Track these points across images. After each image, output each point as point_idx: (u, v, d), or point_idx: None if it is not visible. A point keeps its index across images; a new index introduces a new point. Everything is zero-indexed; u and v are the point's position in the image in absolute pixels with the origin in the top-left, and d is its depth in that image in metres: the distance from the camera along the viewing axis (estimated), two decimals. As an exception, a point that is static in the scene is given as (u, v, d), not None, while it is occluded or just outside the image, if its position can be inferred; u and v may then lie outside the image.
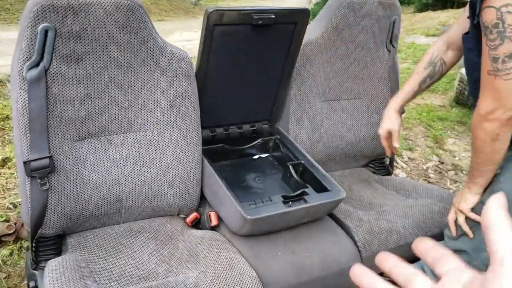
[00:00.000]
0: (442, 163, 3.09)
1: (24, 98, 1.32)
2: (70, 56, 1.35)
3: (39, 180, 1.35)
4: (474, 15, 1.22)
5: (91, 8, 1.33)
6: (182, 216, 1.69)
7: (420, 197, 1.92)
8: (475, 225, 1.45)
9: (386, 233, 1.66)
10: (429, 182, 2.82)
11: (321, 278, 1.49)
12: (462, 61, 1.53)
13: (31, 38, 1.29)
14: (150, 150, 1.55)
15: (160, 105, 1.53)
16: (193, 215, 1.65)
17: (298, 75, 1.85)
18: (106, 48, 1.39)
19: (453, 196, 1.91)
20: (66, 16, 1.30)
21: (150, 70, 1.48)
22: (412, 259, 1.72)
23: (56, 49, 1.33)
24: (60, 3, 1.29)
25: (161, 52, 1.48)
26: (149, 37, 1.44)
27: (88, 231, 1.55)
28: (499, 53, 1.15)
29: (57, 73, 1.35)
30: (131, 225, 1.60)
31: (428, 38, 7.52)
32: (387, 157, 2.23)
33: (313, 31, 1.87)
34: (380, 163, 2.22)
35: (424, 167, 3.01)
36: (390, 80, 2.07)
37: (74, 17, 1.31)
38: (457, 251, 1.49)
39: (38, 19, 1.28)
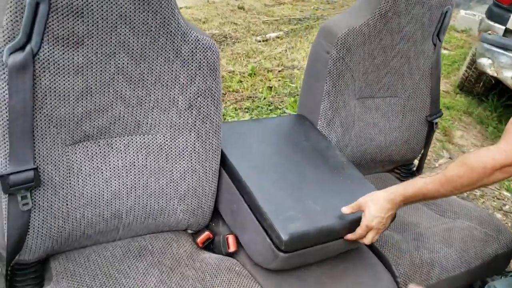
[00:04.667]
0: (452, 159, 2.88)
1: (3, 91, 0.99)
2: (68, 38, 1.02)
3: (19, 198, 1.04)
4: None
5: (100, -24, 0.98)
6: (190, 231, 1.41)
7: (457, 217, 1.69)
8: None
9: (428, 266, 1.42)
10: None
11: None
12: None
13: (15, 12, 0.95)
14: (160, 157, 1.25)
15: (177, 104, 1.21)
16: (205, 234, 1.36)
17: (335, 69, 1.55)
18: (115, 30, 1.06)
19: (493, 218, 1.69)
20: (65, -15, 0.96)
21: (169, 61, 1.16)
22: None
23: (48, 28, 0.99)
24: (58, -34, 0.95)
25: (184, 39, 1.15)
26: (171, 19, 1.11)
27: (76, 251, 1.25)
28: None
29: (48, 60, 1.02)
30: (130, 243, 1.31)
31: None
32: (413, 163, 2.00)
33: (356, 17, 1.56)
34: (407, 169, 1.97)
35: (436, 164, 2.79)
36: (431, 77, 1.79)
37: (76, -14, 0.97)
38: None
39: (27, -13, 0.94)
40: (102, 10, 1.02)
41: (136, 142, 1.22)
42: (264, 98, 3.13)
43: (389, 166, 1.95)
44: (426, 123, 1.85)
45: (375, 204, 1.16)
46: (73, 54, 1.04)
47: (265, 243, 1.17)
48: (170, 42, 1.14)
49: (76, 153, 1.14)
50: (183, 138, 1.25)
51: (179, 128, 1.24)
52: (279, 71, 3.74)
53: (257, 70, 3.68)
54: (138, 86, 1.15)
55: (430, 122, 1.85)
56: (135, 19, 1.06)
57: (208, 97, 1.24)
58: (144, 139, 1.22)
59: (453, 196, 2.09)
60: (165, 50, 1.14)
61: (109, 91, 1.12)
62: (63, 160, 1.11)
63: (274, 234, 1.14)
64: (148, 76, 1.15)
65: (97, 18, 1.02)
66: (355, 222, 1.23)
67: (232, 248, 1.31)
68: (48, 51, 1.01)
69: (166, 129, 1.23)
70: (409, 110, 1.81)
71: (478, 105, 3.77)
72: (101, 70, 1.08)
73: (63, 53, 1.02)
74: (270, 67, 3.81)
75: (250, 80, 3.49)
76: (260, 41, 4.68)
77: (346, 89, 1.60)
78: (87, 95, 1.09)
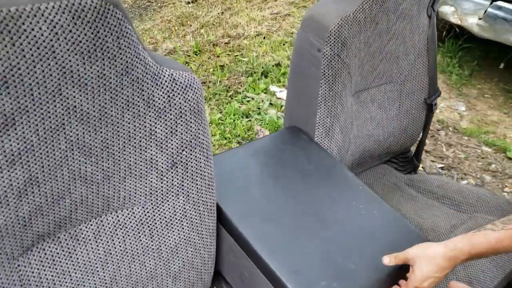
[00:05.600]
0: (428, 121, 2.73)
1: None
2: (-11, 122, 0.67)
3: None
4: None
5: (26, 24, 0.63)
6: (188, 301, 1.14)
7: (474, 210, 1.50)
8: None
9: (467, 284, 1.23)
10: (426, 151, 2.44)
11: None
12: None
13: None
14: (142, 235, 0.94)
15: (156, 165, 0.90)
16: (211, 307, 1.10)
17: (330, 69, 1.27)
18: (60, 94, 0.72)
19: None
20: (-30, 49, 0.61)
21: (139, 116, 0.83)
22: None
23: (-43, 114, 0.64)
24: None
25: (156, 82, 0.83)
26: (135, 61, 0.78)
27: None
28: None
29: (-35, 157, 0.67)
30: None
31: None
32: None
33: (347, 1, 1.27)
34: (405, 158, 1.76)
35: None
36: (428, 53, 1.55)
37: (-12, 47, 0.62)
38: None
39: None
40: (36, 74, 0.67)
41: (108, 223, 0.90)
42: (220, 82, 2.79)
43: (386, 157, 1.73)
44: (424, 106, 1.63)
45: (429, 262, 0.90)
46: (3, 141, 0.69)
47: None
48: (138, 92, 0.81)
49: (30, 262, 0.81)
50: (169, 204, 0.95)
51: (162, 194, 0.93)
52: (226, 43, 3.39)
53: (201, 46, 3.31)
54: (102, 157, 0.82)
55: (429, 105, 1.63)
56: (86, 74, 0.72)
57: (195, 148, 0.93)
58: (117, 217, 0.91)
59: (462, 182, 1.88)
60: (132, 104, 0.81)
61: (62, 173, 0.79)
62: (14, 278, 0.79)
63: None
64: (113, 142, 0.82)
65: (31, 85, 0.68)
66: (399, 274, 1.00)
67: (249, 324, 1.06)
68: (-37, 146, 0.66)
69: (146, 198, 0.92)
70: (406, 95, 1.58)
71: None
72: (47, 151, 0.75)
73: (-13, 143, 0.68)
74: (214, 39, 3.44)
75: (197, 59, 3.12)
76: (189, 3, 4.27)
77: (343, 89, 1.33)
78: (32, 187, 0.76)
